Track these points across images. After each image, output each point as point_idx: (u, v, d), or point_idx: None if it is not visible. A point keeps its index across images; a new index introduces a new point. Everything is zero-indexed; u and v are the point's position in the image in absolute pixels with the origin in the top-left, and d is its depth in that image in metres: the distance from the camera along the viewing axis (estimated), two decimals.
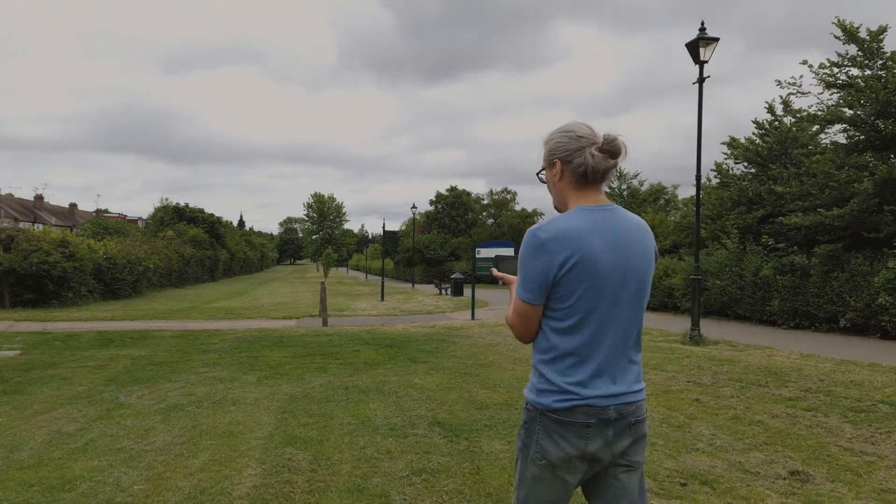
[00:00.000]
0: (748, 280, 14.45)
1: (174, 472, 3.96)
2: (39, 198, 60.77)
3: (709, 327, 12.65)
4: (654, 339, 10.95)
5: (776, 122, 17.14)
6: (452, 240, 46.74)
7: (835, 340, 11.31)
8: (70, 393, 6.29)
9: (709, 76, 10.56)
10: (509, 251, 14.46)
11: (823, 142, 15.95)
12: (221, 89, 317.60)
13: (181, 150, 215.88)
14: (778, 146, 16.34)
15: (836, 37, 12.80)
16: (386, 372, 7.51)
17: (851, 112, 12.66)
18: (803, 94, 14.23)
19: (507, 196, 50.37)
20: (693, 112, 10.96)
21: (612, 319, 1.76)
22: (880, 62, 12.47)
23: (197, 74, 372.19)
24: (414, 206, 38.70)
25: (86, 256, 20.36)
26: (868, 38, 12.41)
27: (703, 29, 10.35)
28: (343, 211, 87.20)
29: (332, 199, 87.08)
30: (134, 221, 57.39)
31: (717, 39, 10.29)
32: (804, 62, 13.11)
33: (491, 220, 49.79)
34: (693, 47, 10.40)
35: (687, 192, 46.23)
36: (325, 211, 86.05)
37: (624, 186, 26.26)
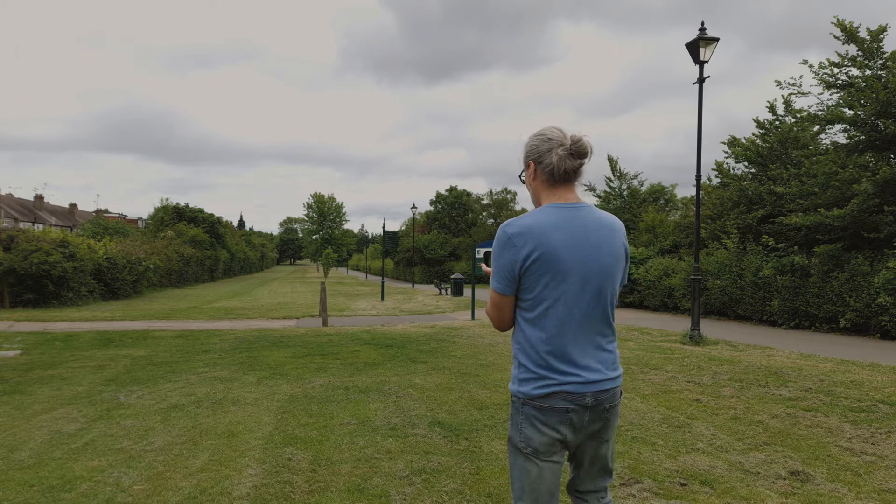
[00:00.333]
0: (748, 280, 14.45)
1: (174, 472, 3.96)
2: (39, 198, 60.84)
3: (709, 327, 12.66)
4: (654, 339, 10.95)
5: (777, 122, 17.11)
6: (452, 240, 46.74)
7: (835, 340, 11.31)
8: (70, 393, 6.29)
9: (709, 76, 10.58)
10: None
11: (824, 142, 15.93)
12: (221, 89, 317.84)
13: (181, 150, 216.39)
14: (779, 146, 16.32)
15: (835, 37, 12.79)
16: (386, 372, 7.51)
17: (851, 112, 12.65)
18: (803, 94, 14.20)
19: (507, 196, 50.42)
20: (693, 112, 10.99)
21: (577, 310, 1.88)
22: (880, 62, 12.45)
23: (197, 74, 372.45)
24: (414, 206, 38.74)
25: (86, 256, 20.36)
26: (868, 37, 12.40)
27: (703, 29, 10.35)
28: (343, 211, 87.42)
29: (332, 199, 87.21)
30: (134, 221, 57.46)
31: (717, 39, 10.30)
32: (804, 62, 13.11)
33: (491, 220, 49.80)
34: (693, 47, 10.41)
35: (687, 191, 46.27)
36: (325, 211, 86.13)
37: (624, 186, 26.17)
